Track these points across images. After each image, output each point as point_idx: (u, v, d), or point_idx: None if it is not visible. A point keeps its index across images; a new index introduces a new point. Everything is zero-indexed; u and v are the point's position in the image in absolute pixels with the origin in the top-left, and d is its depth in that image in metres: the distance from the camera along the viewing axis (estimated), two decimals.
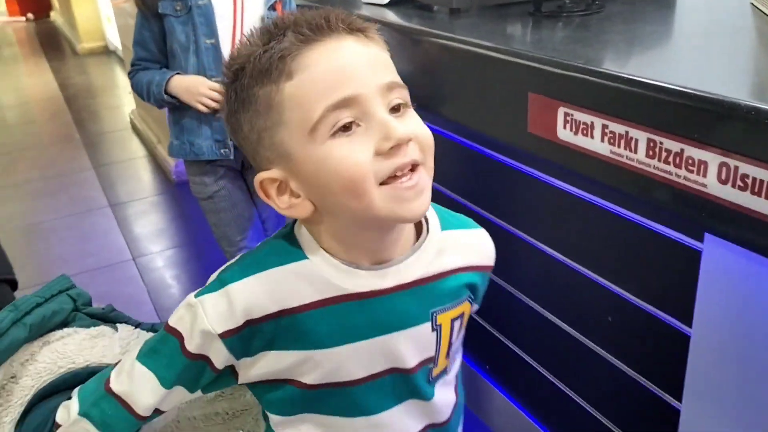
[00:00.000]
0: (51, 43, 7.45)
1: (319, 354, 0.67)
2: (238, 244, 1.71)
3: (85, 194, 3.39)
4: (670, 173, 0.82)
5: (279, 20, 0.64)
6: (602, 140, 0.91)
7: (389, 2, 1.52)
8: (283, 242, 0.69)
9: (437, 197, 0.67)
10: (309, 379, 0.68)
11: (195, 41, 1.50)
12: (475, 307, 0.78)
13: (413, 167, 0.62)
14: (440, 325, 0.71)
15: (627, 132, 0.87)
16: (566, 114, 0.96)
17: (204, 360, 0.67)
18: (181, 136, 1.59)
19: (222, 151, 1.57)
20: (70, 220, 3.15)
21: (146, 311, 2.35)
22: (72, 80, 5.74)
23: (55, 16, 8.55)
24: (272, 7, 1.55)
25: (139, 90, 1.56)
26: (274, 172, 0.65)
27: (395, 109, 0.63)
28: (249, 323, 0.66)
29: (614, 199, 1.02)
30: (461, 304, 0.74)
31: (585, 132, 0.93)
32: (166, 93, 1.50)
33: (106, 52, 6.35)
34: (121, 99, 4.95)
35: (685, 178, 0.81)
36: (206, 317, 0.65)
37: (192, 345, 0.67)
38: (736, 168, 0.75)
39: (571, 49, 1.02)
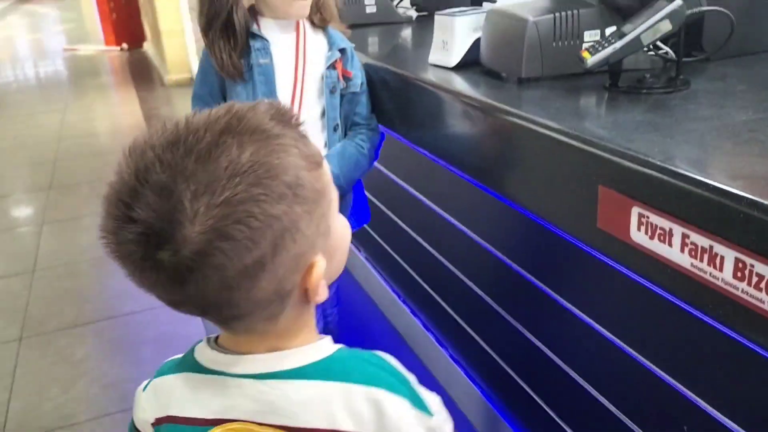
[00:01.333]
0: (141, 73, 7.79)
1: None
2: None
3: None
4: (762, 302, 0.71)
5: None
6: (682, 251, 0.80)
7: (456, 65, 1.45)
8: None
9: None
10: None
11: (254, 100, 1.47)
12: None
13: None
14: None
15: (711, 246, 0.76)
16: (641, 215, 0.85)
17: None
18: None
19: None
20: None
21: None
22: (157, 111, 5.96)
23: (147, 47, 8.96)
24: (332, 66, 1.52)
25: None
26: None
27: None
28: None
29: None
30: None
31: (662, 238, 0.83)
32: None
33: (191, 83, 6.58)
34: None
35: None
36: None
37: None
38: None
39: (649, 138, 0.91)
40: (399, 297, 2.32)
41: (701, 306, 0.80)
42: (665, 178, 0.81)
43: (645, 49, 1.30)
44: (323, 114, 1.54)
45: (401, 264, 2.25)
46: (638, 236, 0.87)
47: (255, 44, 1.46)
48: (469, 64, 1.44)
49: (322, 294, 0.64)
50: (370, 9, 2.19)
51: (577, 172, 0.97)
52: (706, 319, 0.92)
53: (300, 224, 0.59)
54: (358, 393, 0.63)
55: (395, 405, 0.63)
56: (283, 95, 1.49)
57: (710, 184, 0.75)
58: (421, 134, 1.51)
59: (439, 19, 1.49)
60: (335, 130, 1.56)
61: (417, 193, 1.99)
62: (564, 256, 1.31)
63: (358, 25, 2.19)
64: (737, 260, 0.73)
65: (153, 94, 6.63)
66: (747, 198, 0.71)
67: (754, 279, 0.71)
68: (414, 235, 2.08)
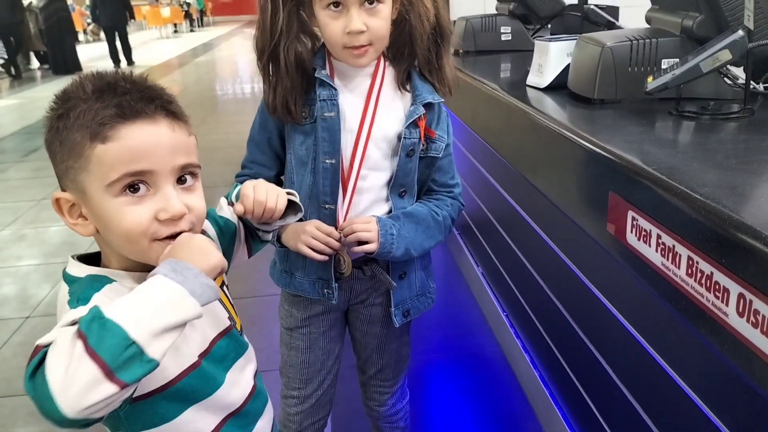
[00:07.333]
0: None
1: None
2: (290, 393, 1.39)
3: None
4: (702, 295, 0.77)
5: (117, 81, 0.76)
6: (656, 250, 0.87)
7: (547, 87, 1.56)
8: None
9: None
10: None
11: (314, 158, 1.19)
12: None
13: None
14: None
15: (674, 245, 0.83)
16: (633, 218, 0.93)
17: None
18: (284, 262, 1.31)
19: (325, 291, 1.26)
20: None
21: None
22: None
23: None
24: (414, 124, 1.17)
25: None
26: (69, 195, 0.79)
27: (182, 181, 0.78)
28: None
29: None
30: None
31: (645, 239, 0.90)
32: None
33: None
34: None
35: (713, 303, 0.75)
36: None
37: None
38: (751, 302, 0.68)
39: (664, 152, 0.98)
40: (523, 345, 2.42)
41: (668, 299, 0.86)
42: (650, 185, 0.89)
43: (727, 79, 1.33)
44: (391, 179, 1.21)
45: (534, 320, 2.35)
46: (631, 238, 0.94)
47: (322, 92, 1.16)
48: (561, 87, 1.54)
49: (80, 229, 0.80)
50: (506, 37, 2.34)
51: (594, 179, 1.07)
52: None
53: (57, 154, 0.78)
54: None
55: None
56: (346, 154, 1.18)
57: (679, 189, 0.83)
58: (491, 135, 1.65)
59: (537, 44, 1.62)
60: (401, 196, 1.23)
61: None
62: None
63: (493, 51, 2.36)
64: (689, 258, 0.80)
65: None
66: (704, 202, 0.78)
67: (698, 275, 0.78)
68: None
